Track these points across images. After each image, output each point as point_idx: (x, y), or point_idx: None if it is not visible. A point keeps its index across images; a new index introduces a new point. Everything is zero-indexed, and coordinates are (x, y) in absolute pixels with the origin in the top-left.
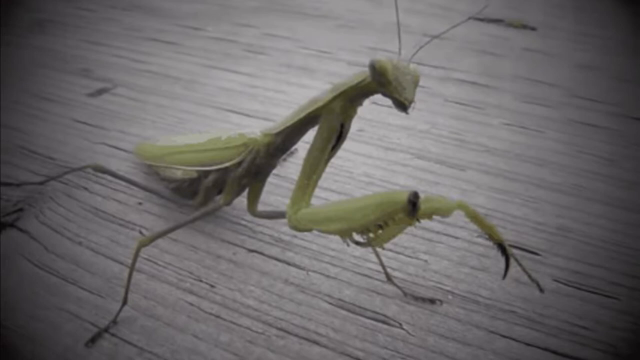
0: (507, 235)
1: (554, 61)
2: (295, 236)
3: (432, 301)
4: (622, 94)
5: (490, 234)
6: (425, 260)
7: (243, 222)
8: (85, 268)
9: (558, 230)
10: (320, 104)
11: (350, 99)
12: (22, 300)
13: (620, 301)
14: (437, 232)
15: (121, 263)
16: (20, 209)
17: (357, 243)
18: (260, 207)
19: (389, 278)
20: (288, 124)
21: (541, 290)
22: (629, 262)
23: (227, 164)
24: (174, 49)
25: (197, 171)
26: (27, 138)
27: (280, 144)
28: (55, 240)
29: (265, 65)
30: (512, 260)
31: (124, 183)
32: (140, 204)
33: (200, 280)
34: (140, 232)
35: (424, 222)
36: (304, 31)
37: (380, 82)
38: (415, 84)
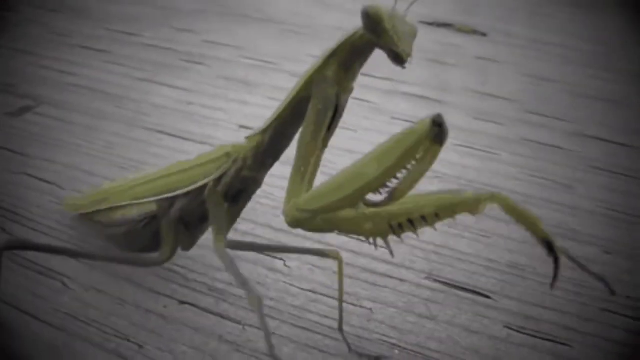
0: (458, 276)
1: (507, 71)
2: (230, 284)
3: (377, 358)
4: (580, 110)
5: (534, 230)
6: (370, 309)
7: (175, 268)
8: None
9: (510, 268)
10: (310, 73)
11: (343, 62)
12: None
13: (573, 348)
14: (382, 275)
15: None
16: None
17: (374, 204)
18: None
19: (341, 329)
20: (276, 115)
21: (612, 292)
22: (584, 303)
23: (202, 182)
24: (105, 57)
25: (159, 202)
26: None
27: (271, 144)
28: None
29: (204, 78)
30: (561, 262)
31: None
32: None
33: (128, 340)
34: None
35: (368, 263)
36: (246, 37)
37: (376, 31)
38: (413, 37)
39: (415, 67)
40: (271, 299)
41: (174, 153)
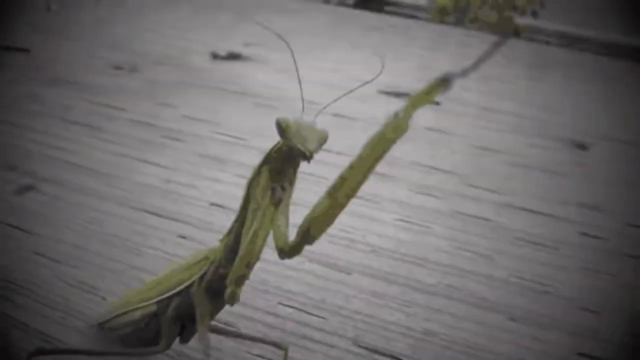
0: (378, 342)
1: (453, 142)
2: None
3: None
4: (514, 180)
5: None
6: None
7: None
8: None
9: (424, 334)
10: (249, 181)
11: (275, 168)
12: None
13: None
14: (315, 341)
15: None
16: None
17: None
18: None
19: None
20: (235, 217)
21: None
22: None
23: (189, 282)
24: (96, 134)
25: (158, 303)
26: None
27: (236, 243)
28: None
29: (181, 154)
30: None
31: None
32: None
33: None
34: None
35: (307, 332)
36: (222, 111)
37: (285, 137)
38: (319, 139)
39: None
40: None
41: (154, 231)
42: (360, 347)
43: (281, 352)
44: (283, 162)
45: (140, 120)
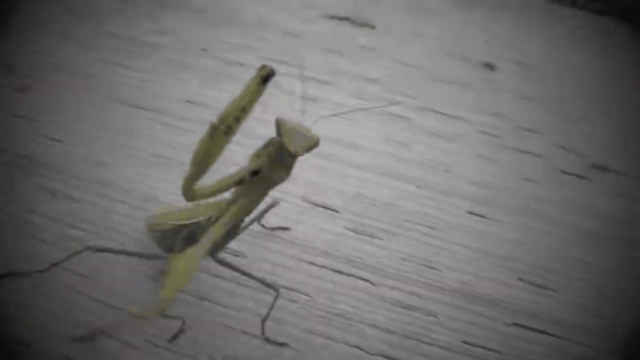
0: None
1: (383, 59)
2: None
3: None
4: (430, 90)
5: None
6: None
7: None
8: None
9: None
10: (249, 166)
11: (265, 163)
12: None
13: None
14: None
15: None
16: None
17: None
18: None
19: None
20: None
21: None
22: None
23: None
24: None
25: (191, 224)
26: None
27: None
28: None
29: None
30: None
31: None
32: None
33: None
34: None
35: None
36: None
37: (279, 134)
38: (310, 142)
39: (312, 56)
40: None
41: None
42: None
43: (274, 294)
44: (273, 158)
45: (118, 33)
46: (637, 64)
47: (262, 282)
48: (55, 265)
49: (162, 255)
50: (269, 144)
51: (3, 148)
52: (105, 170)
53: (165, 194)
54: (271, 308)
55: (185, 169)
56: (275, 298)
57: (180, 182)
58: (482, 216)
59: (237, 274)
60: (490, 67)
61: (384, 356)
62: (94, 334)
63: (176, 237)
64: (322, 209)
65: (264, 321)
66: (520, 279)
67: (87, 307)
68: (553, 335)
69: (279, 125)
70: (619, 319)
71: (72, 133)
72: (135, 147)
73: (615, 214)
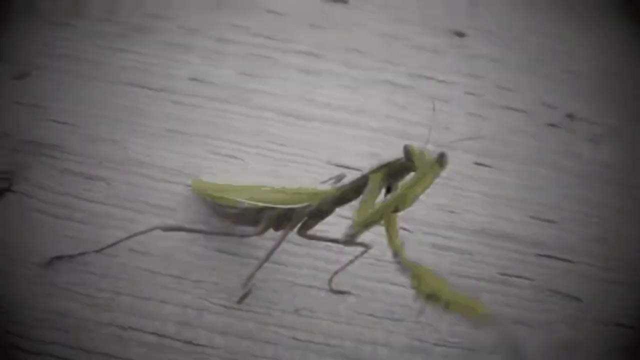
0: None
1: (364, 29)
2: None
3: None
4: (406, 57)
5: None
6: None
7: None
8: None
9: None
10: (367, 172)
11: (387, 174)
12: None
13: None
14: None
15: None
16: None
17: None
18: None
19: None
20: (345, 182)
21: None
22: None
23: (294, 205)
24: None
25: (263, 208)
26: None
27: (341, 200)
28: None
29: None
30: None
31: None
32: None
33: None
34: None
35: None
36: None
37: (409, 159)
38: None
39: (300, 32)
40: None
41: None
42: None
43: (361, 249)
44: (395, 173)
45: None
46: (601, 24)
47: (352, 242)
48: (114, 244)
49: (238, 232)
50: (398, 162)
51: (7, 134)
52: (127, 149)
53: (189, 168)
54: (352, 261)
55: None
56: (363, 252)
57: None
58: (488, 166)
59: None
60: (459, 34)
61: None
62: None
63: (258, 217)
64: (345, 169)
65: (335, 273)
66: (532, 217)
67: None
68: (568, 261)
69: (410, 151)
70: (619, 243)
71: (79, 115)
72: (146, 125)
73: (596, 157)
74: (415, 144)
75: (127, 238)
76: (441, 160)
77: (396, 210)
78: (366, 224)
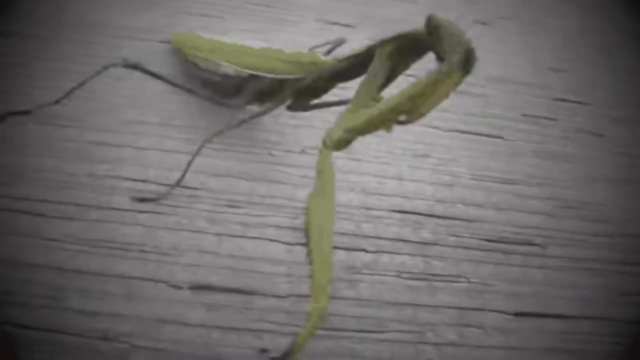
0: None
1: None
2: None
3: None
4: None
5: None
6: None
7: None
8: None
9: None
10: (375, 43)
11: (399, 48)
12: None
13: None
14: None
15: None
16: None
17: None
18: None
19: None
20: (341, 58)
21: None
22: None
23: (289, 76)
24: None
25: (250, 76)
26: None
27: (346, 74)
28: None
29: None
30: None
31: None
32: None
33: None
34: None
35: None
36: None
37: (432, 34)
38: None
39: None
40: None
41: None
42: None
43: None
44: (409, 48)
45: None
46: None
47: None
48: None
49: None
50: (417, 31)
51: None
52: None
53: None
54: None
55: None
56: None
57: None
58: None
59: None
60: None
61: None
62: None
63: (242, 86)
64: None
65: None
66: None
67: None
68: None
69: (434, 24)
70: None
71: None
72: None
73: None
74: (443, 16)
75: (85, 82)
76: (469, 57)
77: (402, 120)
78: (358, 132)
